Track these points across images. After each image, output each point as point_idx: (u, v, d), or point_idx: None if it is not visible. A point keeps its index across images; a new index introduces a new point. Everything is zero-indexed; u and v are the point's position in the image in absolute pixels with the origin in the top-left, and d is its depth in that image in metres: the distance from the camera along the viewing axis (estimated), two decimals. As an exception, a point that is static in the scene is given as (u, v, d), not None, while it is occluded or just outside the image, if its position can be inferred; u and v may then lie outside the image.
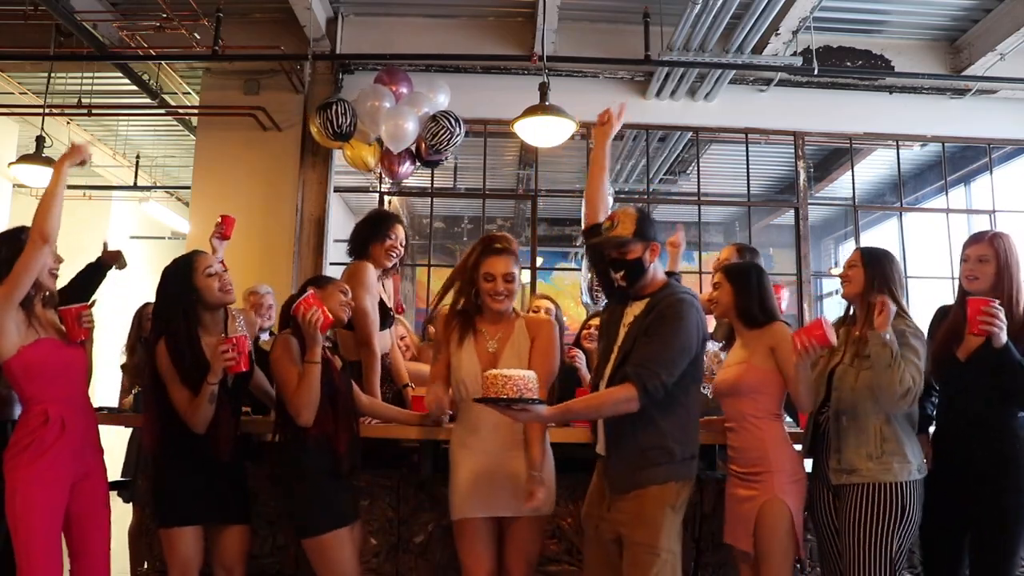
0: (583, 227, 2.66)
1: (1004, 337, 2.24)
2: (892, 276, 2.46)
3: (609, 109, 2.65)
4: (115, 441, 3.88)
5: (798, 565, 2.86)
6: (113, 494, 3.76)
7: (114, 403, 3.86)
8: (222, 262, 2.70)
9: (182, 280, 2.50)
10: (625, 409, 2.17)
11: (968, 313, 2.27)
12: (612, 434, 2.34)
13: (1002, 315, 2.23)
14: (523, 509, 2.34)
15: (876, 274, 2.46)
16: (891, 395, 2.26)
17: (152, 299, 3.95)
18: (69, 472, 2.41)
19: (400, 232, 3.26)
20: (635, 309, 2.34)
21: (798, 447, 2.60)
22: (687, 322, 2.22)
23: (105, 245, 3.33)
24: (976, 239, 2.54)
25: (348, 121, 4.95)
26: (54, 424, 2.38)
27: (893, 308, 2.31)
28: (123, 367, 3.85)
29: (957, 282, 2.64)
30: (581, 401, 2.34)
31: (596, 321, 3.65)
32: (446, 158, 5.30)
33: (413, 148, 5.20)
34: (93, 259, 3.29)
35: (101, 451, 2.59)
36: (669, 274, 2.44)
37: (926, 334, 2.51)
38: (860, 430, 2.36)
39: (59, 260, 2.55)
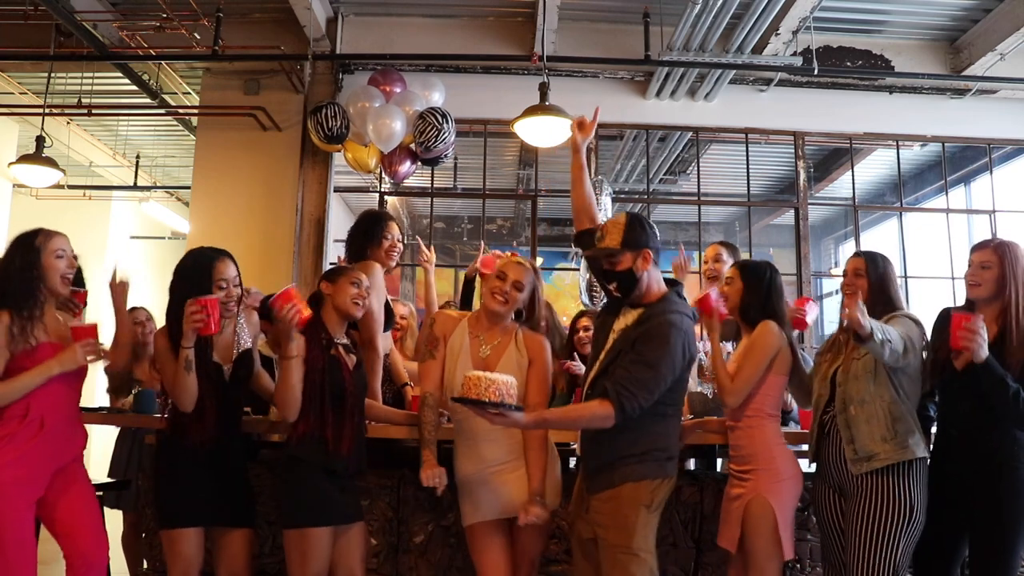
0: (574, 232, 2.64)
1: (984, 353, 2.23)
2: (892, 278, 2.51)
3: (583, 116, 2.60)
4: (106, 442, 3.85)
5: (797, 565, 2.86)
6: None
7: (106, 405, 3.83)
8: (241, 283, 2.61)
9: (198, 279, 2.47)
10: (600, 425, 2.18)
11: (951, 327, 2.27)
12: (586, 433, 2.37)
13: (983, 332, 2.22)
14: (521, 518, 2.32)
15: (878, 281, 2.51)
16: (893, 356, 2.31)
17: (141, 299, 3.98)
18: (43, 471, 2.38)
19: (395, 230, 3.21)
20: (627, 318, 2.32)
21: (804, 447, 2.60)
22: (673, 347, 2.19)
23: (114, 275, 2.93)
24: (981, 245, 2.52)
25: (339, 124, 4.96)
26: (32, 421, 2.37)
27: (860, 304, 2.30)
28: (106, 370, 3.80)
29: (958, 283, 2.66)
30: (558, 412, 2.35)
31: (585, 321, 3.65)
32: (446, 156, 5.28)
33: (414, 147, 5.20)
34: (94, 264, 3.25)
35: (81, 464, 2.54)
36: (672, 283, 2.40)
37: (929, 336, 2.53)
38: (870, 415, 2.38)
39: (72, 265, 2.53)
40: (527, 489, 2.35)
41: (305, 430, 2.40)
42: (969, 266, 2.52)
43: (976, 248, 2.53)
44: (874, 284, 2.52)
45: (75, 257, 2.56)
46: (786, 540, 2.38)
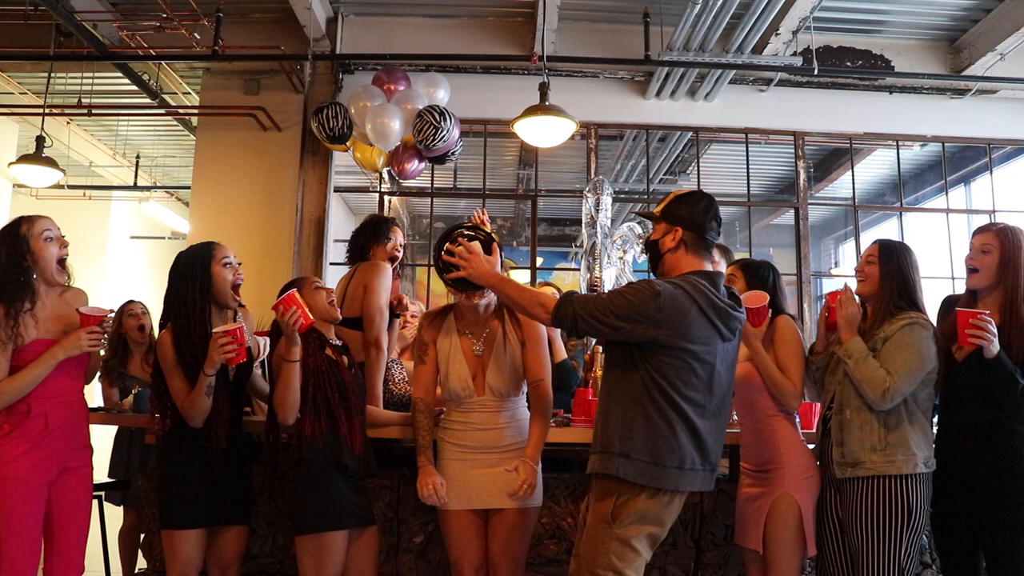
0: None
1: (996, 348, 2.19)
2: (908, 269, 2.42)
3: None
4: (104, 441, 3.85)
5: (809, 568, 2.85)
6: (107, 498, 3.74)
7: (100, 402, 3.82)
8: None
9: (200, 265, 2.49)
10: (536, 314, 2.19)
11: (957, 325, 2.21)
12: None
13: (992, 327, 2.17)
14: (508, 500, 2.33)
15: (892, 272, 2.42)
16: (868, 395, 2.29)
17: (140, 298, 3.97)
18: (48, 469, 2.38)
19: (399, 235, 3.27)
20: None
21: (811, 446, 2.59)
22: (636, 296, 2.03)
23: None
24: (983, 228, 2.46)
25: (340, 123, 4.96)
26: (36, 419, 2.37)
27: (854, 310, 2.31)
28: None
29: (958, 283, 2.62)
30: (517, 284, 2.31)
31: (548, 289, 3.64)
32: (453, 153, 5.24)
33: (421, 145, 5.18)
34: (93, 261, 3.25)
35: (89, 448, 2.56)
36: (705, 273, 2.14)
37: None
38: (864, 422, 2.34)
39: (64, 244, 2.50)
40: (506, 485, 2.33)
41: (315, 431, 2.38)
42: (970, 249, 2.46)
43: (978, 231, 2.47)
44: (885, 274, 2.42)
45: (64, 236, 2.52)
46: (810, 536, 2.38)
